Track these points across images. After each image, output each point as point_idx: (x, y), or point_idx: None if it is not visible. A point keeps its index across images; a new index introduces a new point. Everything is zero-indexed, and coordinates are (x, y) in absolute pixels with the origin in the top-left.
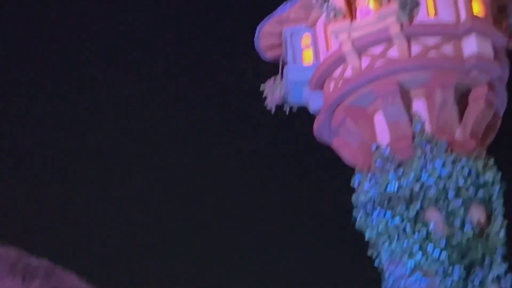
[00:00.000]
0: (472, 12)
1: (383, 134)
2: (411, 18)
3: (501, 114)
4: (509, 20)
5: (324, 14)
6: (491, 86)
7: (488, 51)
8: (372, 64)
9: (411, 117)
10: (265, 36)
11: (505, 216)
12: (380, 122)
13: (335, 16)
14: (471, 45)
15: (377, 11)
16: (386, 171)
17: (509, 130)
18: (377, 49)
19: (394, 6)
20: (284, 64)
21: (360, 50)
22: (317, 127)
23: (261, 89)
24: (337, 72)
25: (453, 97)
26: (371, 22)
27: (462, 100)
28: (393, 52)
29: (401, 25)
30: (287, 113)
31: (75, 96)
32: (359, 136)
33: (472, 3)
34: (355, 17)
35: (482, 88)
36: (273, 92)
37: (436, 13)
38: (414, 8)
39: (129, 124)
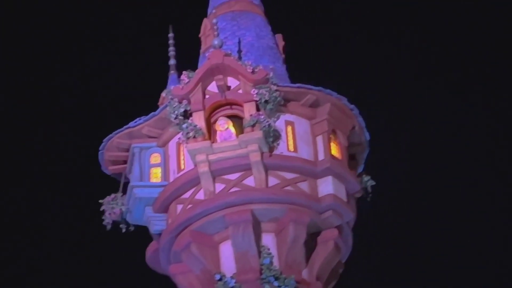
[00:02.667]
0: (331, 153)
1: (228, 264)
2: (271, 149)
3: (344, 261)
4: (357, 169)
5: (180, 133)
6: (340, 230)
7: (342, 194)
8: (227, 190)
9: (259, 250)
10: (111, 148)
11: None
12: (226, 252)
13: (194, 136)
14: (327, 186)
15: (239, 136)
16: None
17: (349, 279)
18: (233, 175)
19: (258, 133)
20: (127, 180)
21: (216, 174)
22: (152, 251)
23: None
24: (186, 195)
25: (305, 235)
26: (232, 147)
27: (310, 241)
28: (250, 181)
29: (262, 154)
30: (123, 231)
31: None
32: (202, 264)
33: (330, 145)
34: (215, 140)
35: (333, 231)
36: (112, 209)
37: (295, 149)
38: (276, 140)
39: None
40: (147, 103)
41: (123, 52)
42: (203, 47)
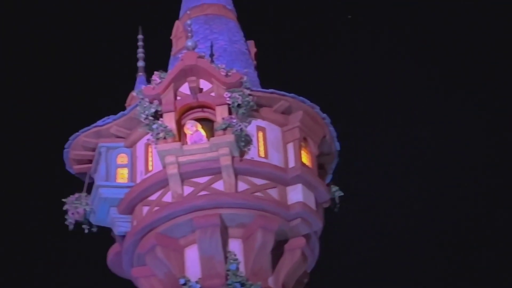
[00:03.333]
0: (301, 161)
1: (193, 269)
2: (242, 154)
3: (309, 271)
4: (326, 179)
5: (149, 134)
6: (308, 239)
7: (312, 203)
8: (195, 193)
9: (226, 255)
10: (77, 147)
11: None
12: (191, 257)
13: (164, 137)
14: (296, 193)
15: (210, 139)
16: None
17: None
18: (203, 179)
19: (230, 137)
20: (91, 180)
21: (185, 177)
22: (114, 253)
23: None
24: (153, 196)
25: (272, 242)
26: (203, 149)
27: (277, 248)
28: (219, 185)
29: (232, 158)
30: (86, 232)
31: None
32: (166, 268)
33: (301, 153)
34: (185, 142)
35: (300, 240)
36: (75, 208)
37: (266, 155)
38: (247, 145)
39: None
40: (113, 105)
41: (91, 52)
42: (174, 49)
